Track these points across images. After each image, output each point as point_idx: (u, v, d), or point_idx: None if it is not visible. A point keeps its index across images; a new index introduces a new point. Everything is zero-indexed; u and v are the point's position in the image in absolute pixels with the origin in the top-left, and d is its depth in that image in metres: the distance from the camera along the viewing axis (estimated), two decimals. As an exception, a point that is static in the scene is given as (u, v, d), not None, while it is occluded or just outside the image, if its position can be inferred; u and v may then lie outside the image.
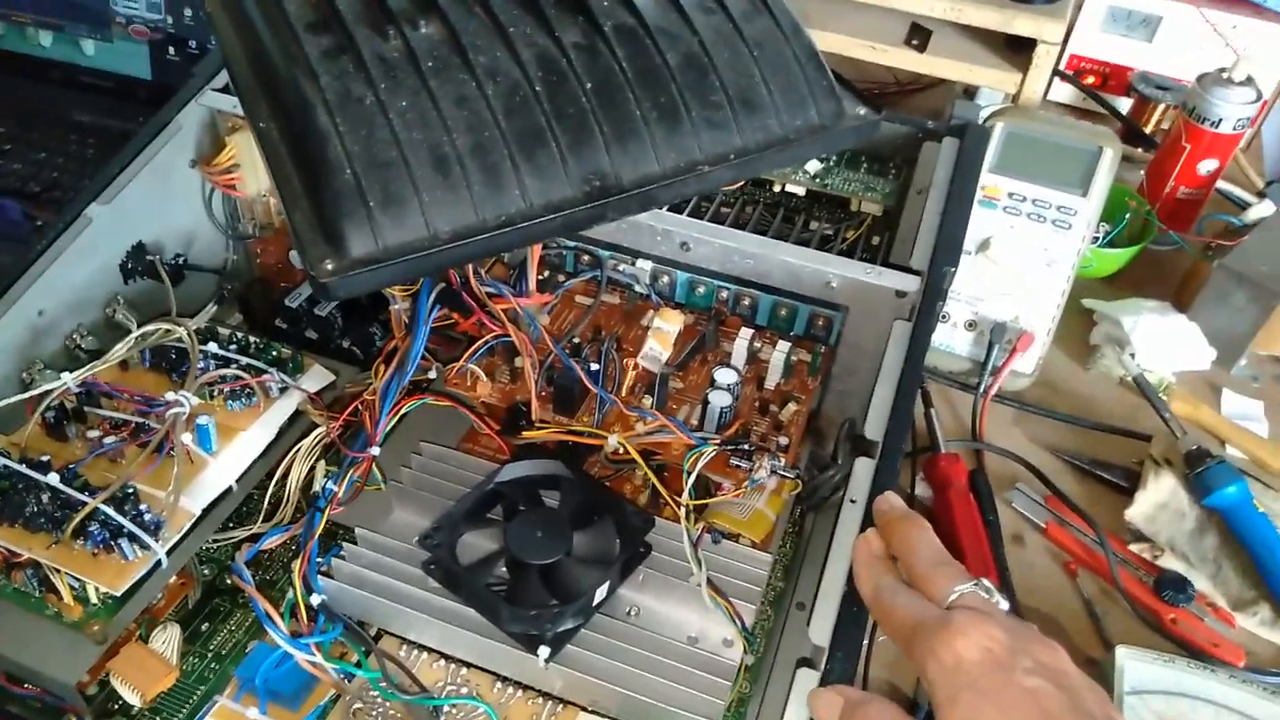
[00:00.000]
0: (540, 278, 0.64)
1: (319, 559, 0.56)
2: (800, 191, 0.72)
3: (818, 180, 0.70)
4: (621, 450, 0.55)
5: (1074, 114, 1.12)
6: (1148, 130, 1.06)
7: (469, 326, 0.60)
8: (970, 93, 0.96)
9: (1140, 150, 1.04)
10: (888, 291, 0.59)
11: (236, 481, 0.59)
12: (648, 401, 0.58)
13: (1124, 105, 1.09)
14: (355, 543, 0.57)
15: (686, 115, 0.44)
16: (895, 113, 0.69)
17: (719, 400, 0.56)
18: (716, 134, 0.44)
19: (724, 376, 0.58)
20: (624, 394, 0.60)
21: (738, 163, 0.44)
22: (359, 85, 0.41)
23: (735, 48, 0.45)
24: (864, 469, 0.51)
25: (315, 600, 0.53)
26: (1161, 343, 0.86)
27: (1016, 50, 0.84)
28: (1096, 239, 0.94)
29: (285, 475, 0.60)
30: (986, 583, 0.37)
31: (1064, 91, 1.12)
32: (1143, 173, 0.98)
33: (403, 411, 0.60)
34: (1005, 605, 0.36)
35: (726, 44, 0.45)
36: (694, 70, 0.44)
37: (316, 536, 0.55)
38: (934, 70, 0.85)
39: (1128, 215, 0.93)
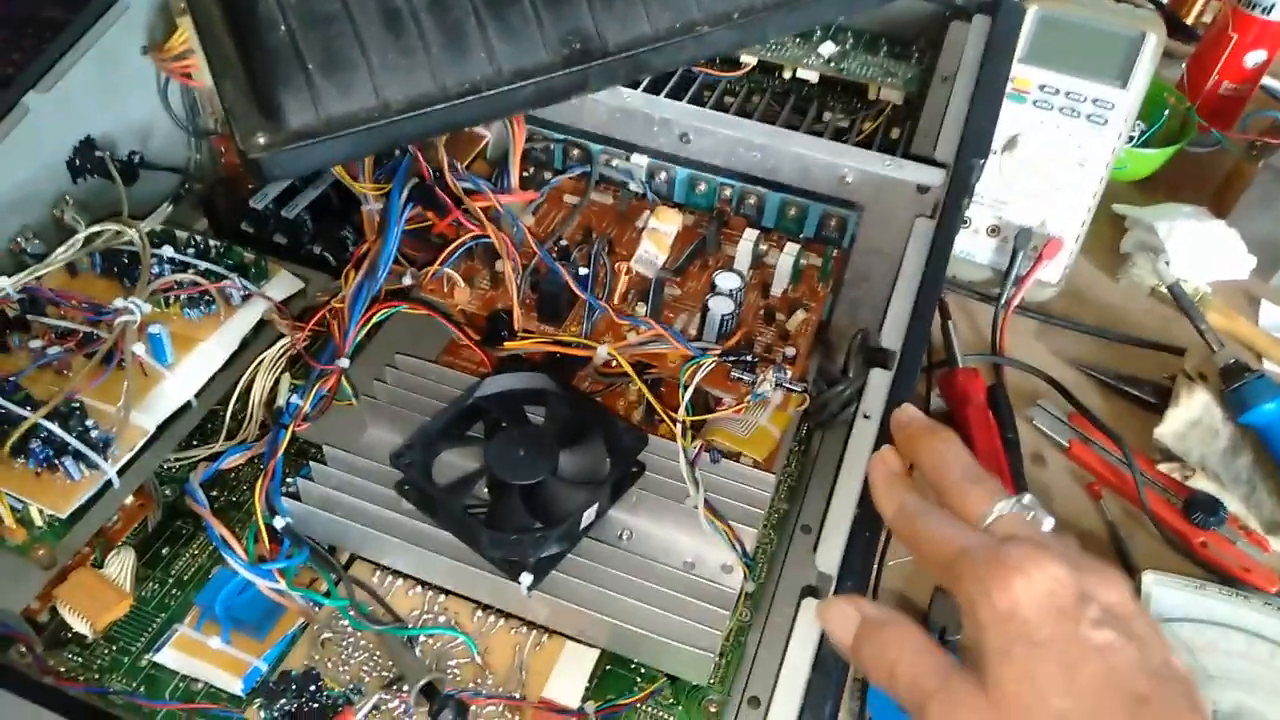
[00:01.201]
0: (525, 174, 0.59)
1: (287, 479, 0.52)
2: (813, 78, 0.65)
3: (832, 65, 0.63)
4: (613, 362, 0.50)
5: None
6: (1188, 21, 0.98)
7: (446, 227, 0.55)
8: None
9: (1180, 43, 0.96)
10: (909, 186, 0.53)
11: (196, 396, 0.55)
12: (641, 309, 0.53)
13: (1164, -5, 1.01)
14: (324, 462, 0.52)
15: (684, -31, 0.37)
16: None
17: (720, 307, 0.51)
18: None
19: (726, 281, 0.52)
20: (616, 301, 0.54)
21: (742, 22, 0.38)
22: (297, -73, 0.35)
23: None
24: (879, 381, 0.46)
25: (279, 523, 0.49)
26: (1198, 250, 0.80)
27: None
28: (1131, 138, 0.87)
29: (248, 389, 0.55)
30: (1029, 498, 0.32)
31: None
32: (1183, 66, 0.91)
33: (374, 320, 0.55)
34: (1049, 523, 0.32)
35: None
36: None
37: (280, 455, 0.51)
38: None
39: (1166, 112, 0.86)
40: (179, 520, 0.55)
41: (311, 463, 0.52)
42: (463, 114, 0.35)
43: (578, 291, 0.51)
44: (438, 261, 0.54)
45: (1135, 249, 0.81)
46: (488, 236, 0.52)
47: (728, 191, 0.59)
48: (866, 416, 0.45)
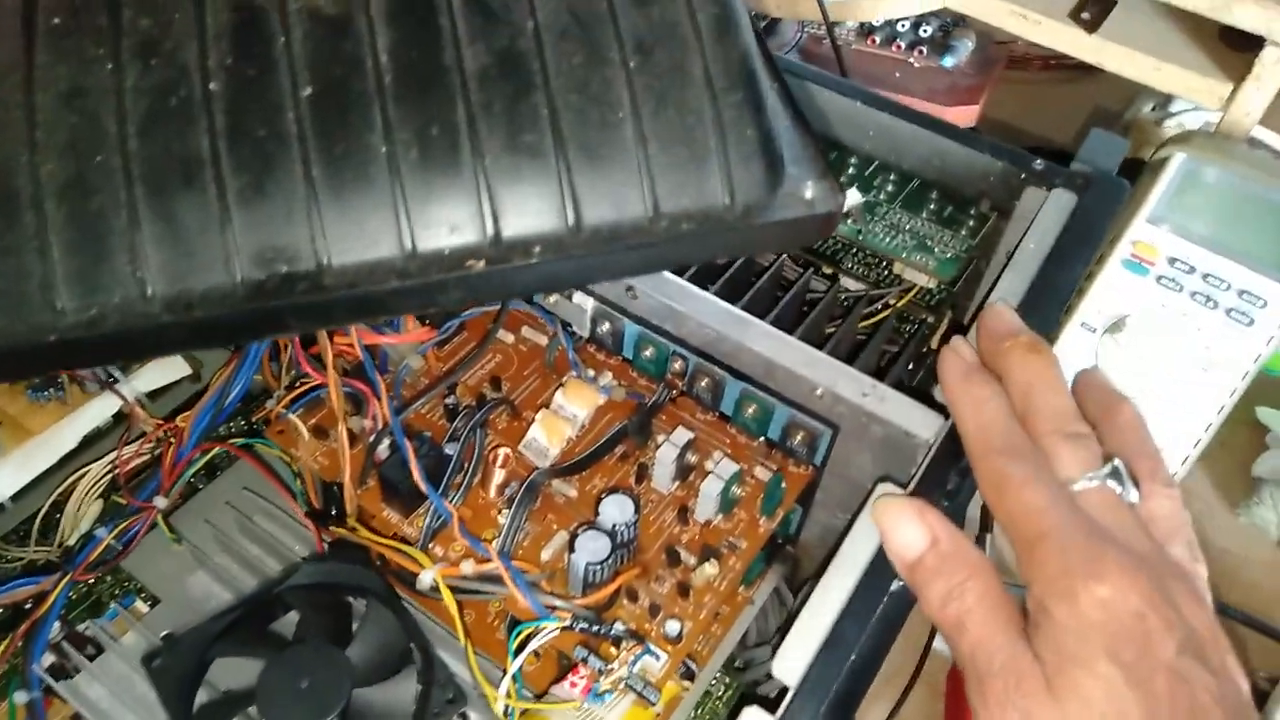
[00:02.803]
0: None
1: (61, 627, 0.43)
2: (826, 231, 0.50)
3: (849, 220, 0.48)
4: (438, 591, 0.39)
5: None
6: None
7: (306, 360, 0.44)
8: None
9: None
10: (894, 429, 0.39)
11: (12, 499, 0.47)
12: (505, 517, 0.41)
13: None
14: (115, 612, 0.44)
15: (472, 162, 0.25)
16: (989, 137, 0.46)
17: (588, 551, 0.38)
18: (522, 204, 0.25)
19: (612, 511, 0.39)
20: (491, 493, 0.43)
21: (550, 262, 0.25)
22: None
23: (592, 45, 0.25)
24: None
25: (21, 699, 0.41)
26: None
27: (1234, 48, 0.57)
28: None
29: (66, 502, 0.47)
30: (1121, 467, 0.29)
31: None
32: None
33: (210, 456, 0.46)
34: (1135, 497, 0.29)
35: (573, 41, 0.25)
36: (504, 82, 0.25)
37: (52, 605, 0.42)
38: (1106, 60, 0.60)
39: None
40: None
41: (95, 620, 0.44)
42: (77, 355, 0.24)
43: (420, 485, 0.40)
44: (279, 403, 0.43)
45: (1270, 478, 0.62)
46: (325, 386, 0.42)
47: (679, 364, 0.45)
48: None
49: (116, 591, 0.47)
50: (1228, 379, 0.56)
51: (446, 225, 0.24)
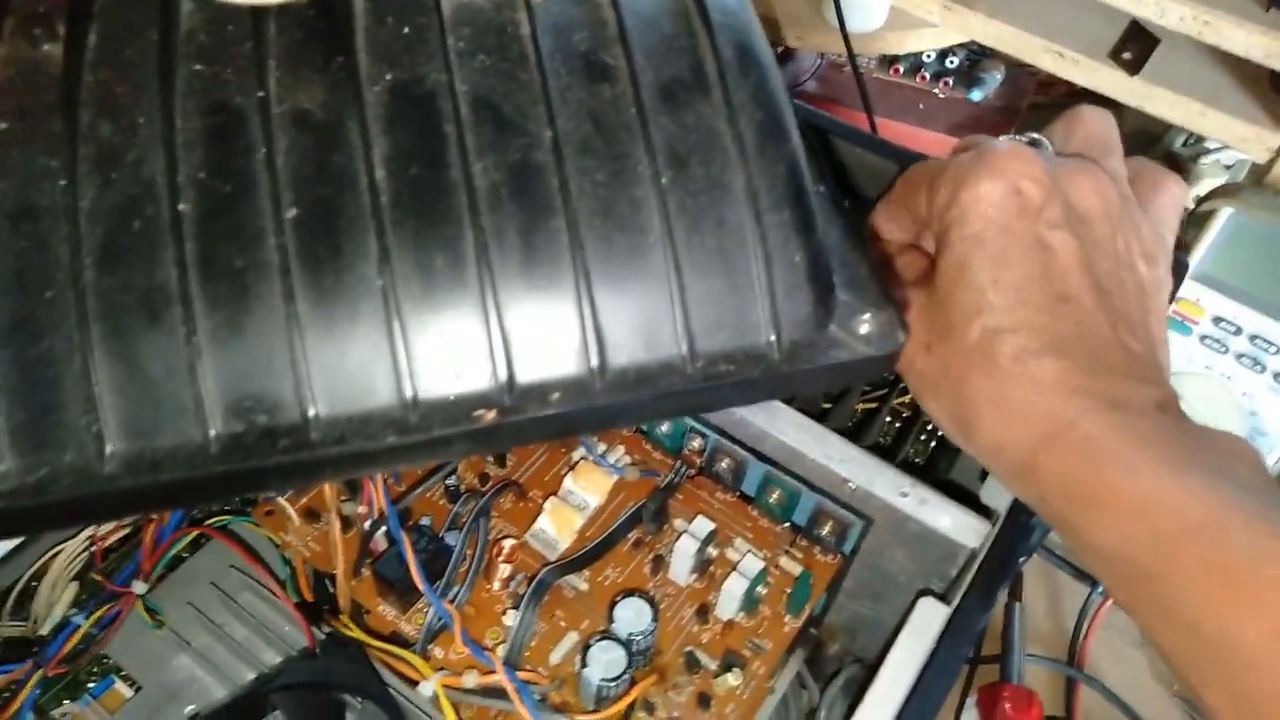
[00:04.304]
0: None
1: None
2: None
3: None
4: (438, 703, 0.36)
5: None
6: None
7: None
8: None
9: None
10: (934, 534, 0.36)
11: (-17, 575, 0.44)
12: (512, 617, 0.38)
13: None
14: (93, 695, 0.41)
15: (481, 298, 0.21)
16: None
17: (601, 667, 0.35)
18: (538, 346, 0.22)
19: (626, 619, 0.36)
20: (495, 586, 0.40)
21: (570, 412, 0.22)
22: None
23: (619, 159, 0.22)
24: None
25: (-13, 808, 0.38)
26: None
27: (1286, 94, 0.54)
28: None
29: (39, 581, 0.44)
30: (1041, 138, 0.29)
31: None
32: None
33: (192, 537, 0.43)
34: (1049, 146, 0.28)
35: (597, 154, 0.22)
36: (517, 204, 0.22)
37: (20, 706, 0.39)
38: (1147, 103, 0.56)
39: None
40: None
41: (71, 701, 0.41)
42: (22, 524, 0.21)
43: (418, 583, 0.37)
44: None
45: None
46: (321, 481, 0.38)
47: (698, 441, 0.42)
48: None
49: (95, 670, 0.44)
50: (1275, 447, 0.53)
51: (452, 370, 0.21)
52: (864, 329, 0.23)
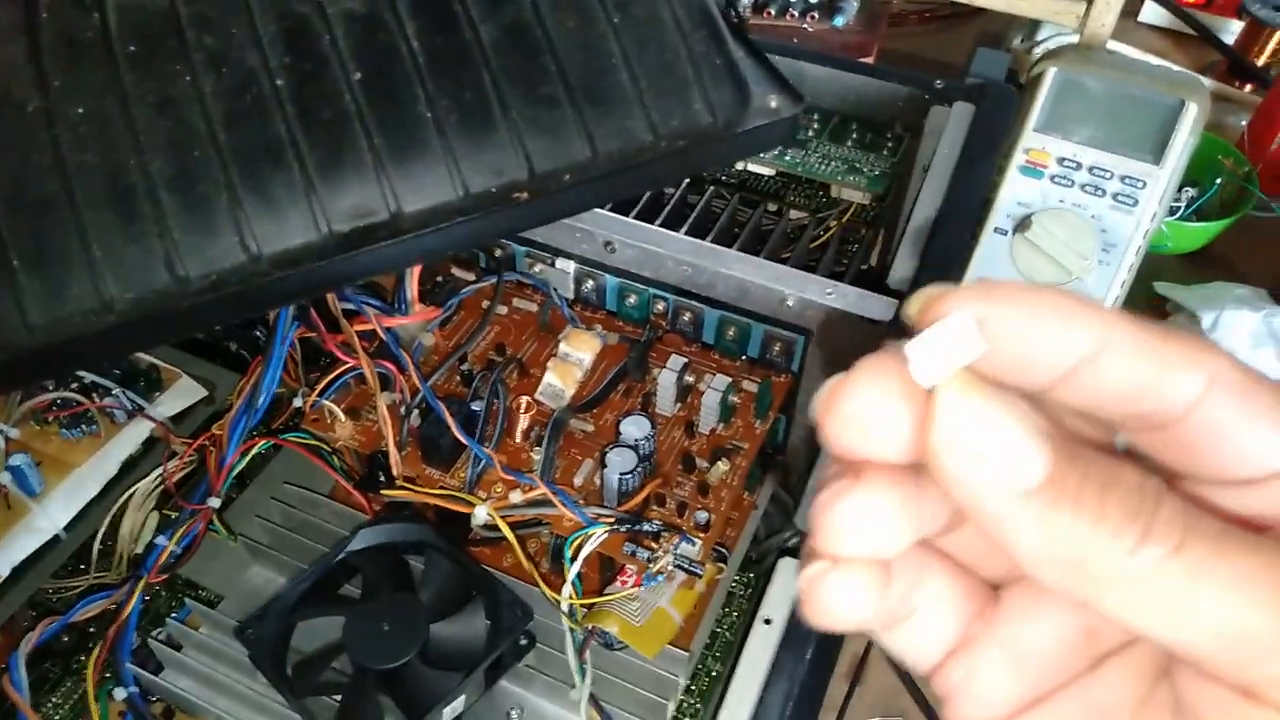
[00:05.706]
0: (433, 285, 0.52)
1: (155, 632, 0.47)
2: (767, 172, 0.57)
3: (787, 158, 0.55)
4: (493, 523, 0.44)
5: (1170, 41, 0.92)
6: (1259, 63, 0.85)
7: (334, 348, 0.49)
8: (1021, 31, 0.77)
9: (1248, 89, 0.84)
10: (855, 319, 0.45)
11: (66, 530, 0.50)
12: (538, 454, 0.46)
13: (1232, 31, 0.88)
14: (189, 608, 0.47)
15: (502, 116, 0.30)
16: (896, 66, 0.53)
17: (617, 465, 0.43)
18: (548, 143, 0.30)
19: (631, 429, 0.45)
20: (518, 439, 0.48)
21: (580, 186, 0.31)
22: (23, 84, 0.29)
23: (581, 10, 0.31)
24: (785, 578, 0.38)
25: (120, 695, 0.44)
26: (1251, 344, 0.69)
27: (1082, -28, 0.66)
28: (1177, 208, 0.76)
29: (119, 522, 0.50)
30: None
31: (1156, 13, 0.91)
32: (1244, 123, 0.79)
33: (254, 452, 0.50)
34: None
35: (565, 8, 0.31)
36: (516, 50, 0.31)
37: (131, 611, 0.46)
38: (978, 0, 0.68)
39: (1220, 179, 0.75)
40: (47, 660, 0.50)
41: (169, 619, 0.47)
42: (208, 315, 0.29)
43: (459, 437, 0.45)
44: (314, 392, 0.48)
45: (1176, 340, 0.70)
46: (347, 375, 0.46)
47: (660, 305, 0.51)
48: (767, 621, 0.38)
49: (174, 602, 0.50)
50: (1124, 254, 0.64)
51: (491, 169, 0.30)
52: (773, 103, 0.32)
